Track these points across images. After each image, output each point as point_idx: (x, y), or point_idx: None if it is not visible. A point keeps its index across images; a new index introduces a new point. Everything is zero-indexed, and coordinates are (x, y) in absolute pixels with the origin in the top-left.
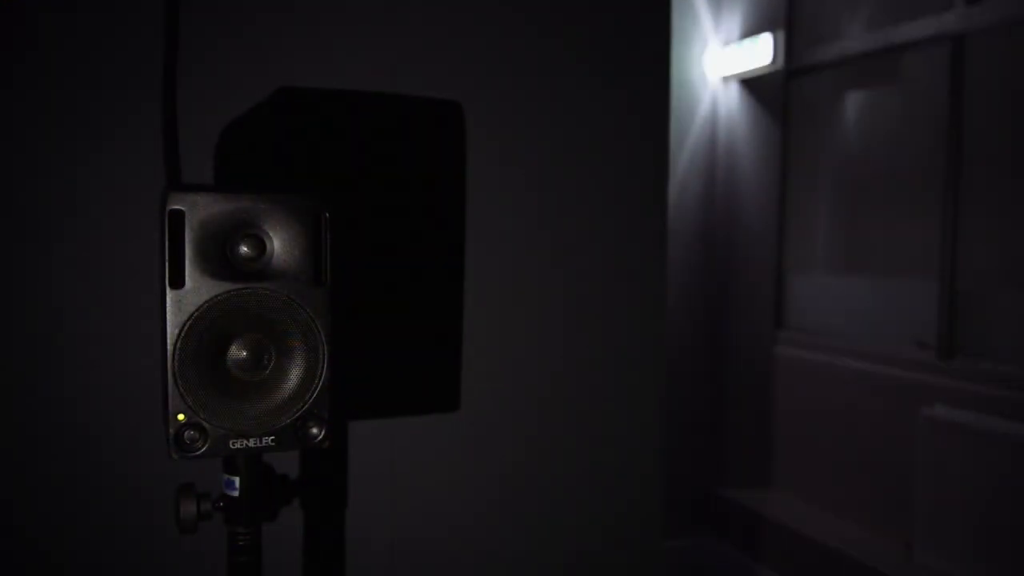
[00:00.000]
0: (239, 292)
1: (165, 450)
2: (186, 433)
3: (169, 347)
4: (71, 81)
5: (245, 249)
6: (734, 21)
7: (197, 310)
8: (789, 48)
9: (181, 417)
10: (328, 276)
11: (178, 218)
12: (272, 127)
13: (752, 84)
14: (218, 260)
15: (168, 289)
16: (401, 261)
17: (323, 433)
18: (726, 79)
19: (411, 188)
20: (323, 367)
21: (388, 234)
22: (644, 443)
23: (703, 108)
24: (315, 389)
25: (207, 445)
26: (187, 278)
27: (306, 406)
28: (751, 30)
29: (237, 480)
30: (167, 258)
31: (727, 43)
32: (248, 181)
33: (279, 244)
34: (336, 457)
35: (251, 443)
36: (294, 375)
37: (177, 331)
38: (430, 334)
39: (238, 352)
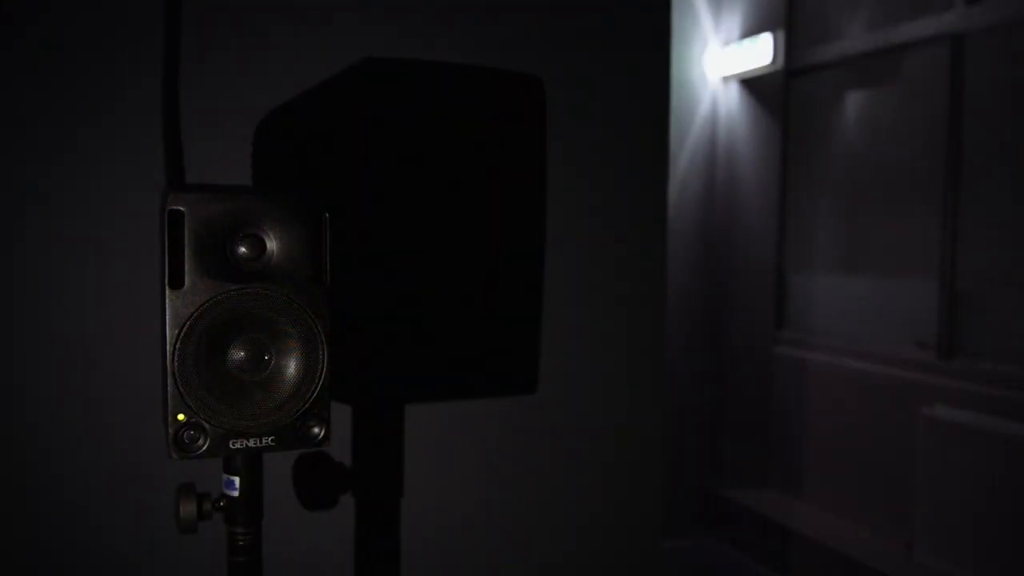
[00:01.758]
0: (239, 292)
1: (165, 450)
2: (186, 433)
3: (169, 347)
4: (70, 81)
5: (245, 249)
6: (734, 21)
7: (197, 310)
8: (789, 48)
9: (181, 417)
10: (328, 276)
11: (178, 218)
12: (350, 99)
13: (752, 84)
14: (218, 260)
15: (168, 289)
16: (476, 235)
17: (324, 432)
18: (726, 79)
19: (487, 162)
20: (323, 367)
21: (461, 209)
22: (644, 443)
23: (703, 108)
24: (315, 389)
25: (207, 445)
26: (187, 278)
27: (306, 406)
28: (751, 30)
29: (237, 480)
30: (167, 258)
31: (727, 43)
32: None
33: (279, 244)
34: (392, 444)
35: (251, 443)
36: (294, 375)
37: (177, 331)
38: (506, 312)
39: (238, 352)
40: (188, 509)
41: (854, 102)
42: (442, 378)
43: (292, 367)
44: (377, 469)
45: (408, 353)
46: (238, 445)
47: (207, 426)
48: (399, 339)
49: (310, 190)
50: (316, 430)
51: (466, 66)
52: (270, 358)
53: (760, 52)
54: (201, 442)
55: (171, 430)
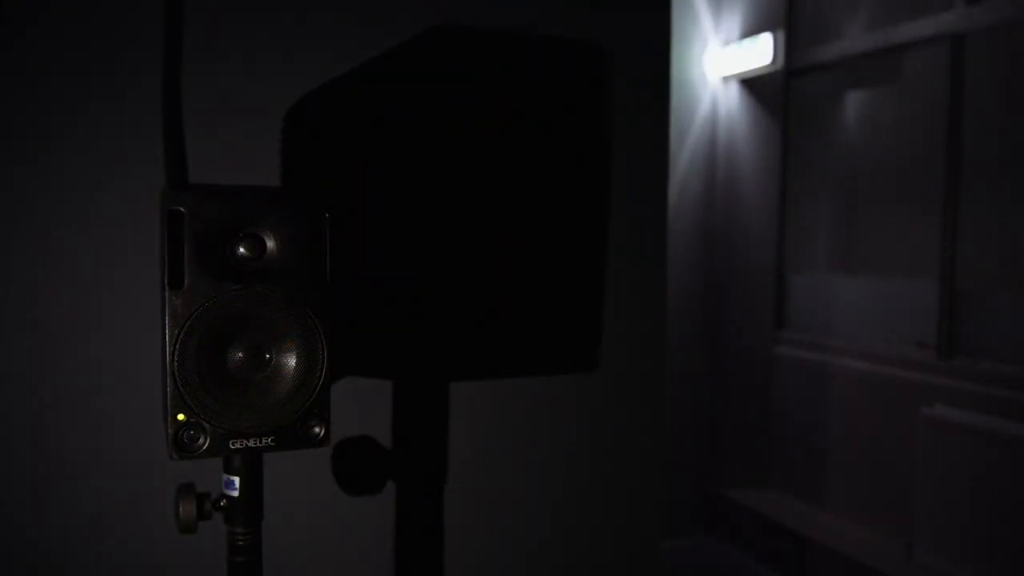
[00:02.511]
0: (239, 292)
1: (165, 450)
2: (186, 433)
3: (169, 347)
4: (70, 81)
5: (244, 249)
6: (734, 21)
7: (197, 310)
8: (789, 48)
9: (181, 417)
10: (328, 276)
11: (178, 218)
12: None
13: (752, 84)
14: (218, 260)
15: (168, 289)
16: (536, 206)
17: (324, 432)
18: (726, 79)
19: (550, 134)
20: (323, 366)
21: (523, 180)
22: (644, 443)
23: (703, 108)
24: (315, 389)
25: (207, 445)
26: (187, 278)
27: (306, 405)
28: (751, 30)
29: (237, 480)
30: (167, 258)
31: (727, 43)
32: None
33: (279, 244)
34: (437, 425)
35: (251, 443)
36: (294, 375)
37: (177, 331)
38: (565, 287)
39: (238, 352)
40: (188, 509)
41: (854, 102)
42: (497, 355)
43: (292, 367)
44: (420, 451)
45: (463, 327)
46: (238, 445)
47: (207, 426)
48: (455, 312)
49: (310, 190)
50: (316, 430)
51: (531, 35)
52: (270, 358)
53: (760, 52)
54: (201, 442)
55: (171, 430)
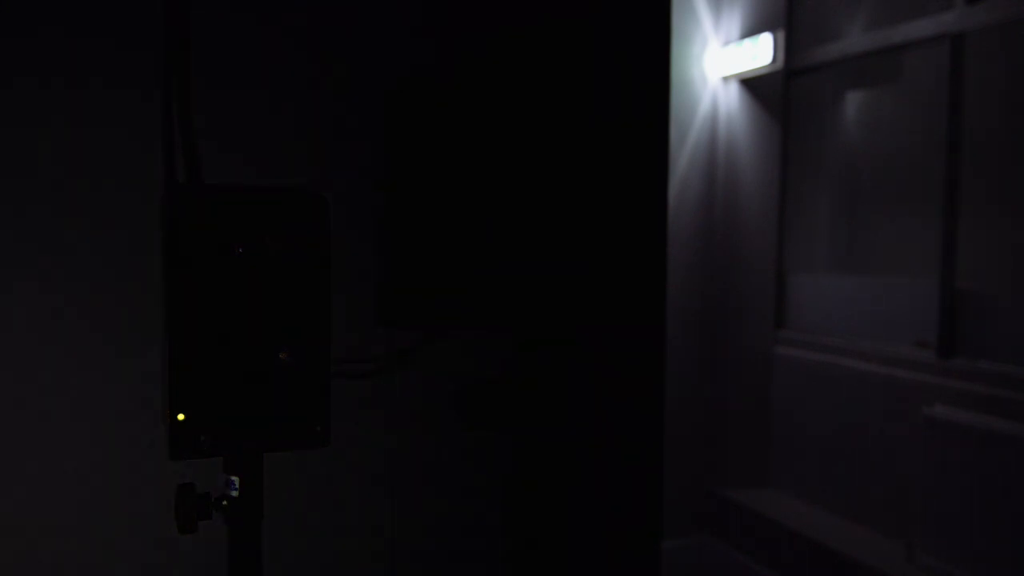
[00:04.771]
0: (240, 292)
1: (165, 450)
2: (186, 433)
3: (169, 347)
4: (73, 80)
5: (245, 249)
6: (734, 21)
7: (198, 310)
8: (789, 48)
9: (181, 417)
10: (328, 275)
11: (179, 218)
12: None
13: (752, 84)
14: (218, 260)
15: (168, 289)
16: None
17: (324, 432)
18: (726, 79)
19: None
20: (324, 365)
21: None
22: (644, 443)
23: (703, 108)
24: (316, 388)
25: (207, 445)
26: (187, 278)
27: (307, 405)
28: (751, 30)
29: (237, 480)
30: (167, 258)
31: (727, 43)
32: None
33: (279, 243)
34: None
35: (251, 443)
36: (295, 374)
37: (177, 331)
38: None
39: (238, 351)
40: (188, 509)
41: (854, 102)
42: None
43: (293, 367)
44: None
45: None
46: (238, 445)
47: (207, 426)
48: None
49: (310, 189)
50: (317, 429)
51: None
52: (271, 357)
53: (760, 52)
54: (201, 442)
55: (171, 430)
